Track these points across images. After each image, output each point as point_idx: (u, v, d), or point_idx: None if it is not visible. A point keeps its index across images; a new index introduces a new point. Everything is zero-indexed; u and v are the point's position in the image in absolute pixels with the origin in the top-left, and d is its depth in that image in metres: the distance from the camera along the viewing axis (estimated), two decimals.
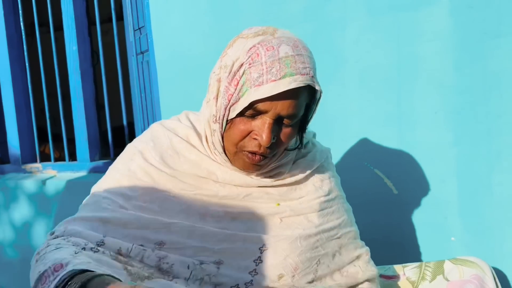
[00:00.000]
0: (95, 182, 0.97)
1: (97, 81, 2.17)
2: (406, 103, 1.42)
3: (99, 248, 0.81)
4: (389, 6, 1.40)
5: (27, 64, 2.17)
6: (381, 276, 1.08)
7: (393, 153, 1.45)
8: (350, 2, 1.44)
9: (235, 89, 0.82)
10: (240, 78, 0.81)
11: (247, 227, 0.88)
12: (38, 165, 2.20)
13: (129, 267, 0.80)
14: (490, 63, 1.32)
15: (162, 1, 1.70)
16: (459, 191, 1.39)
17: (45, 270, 0.75)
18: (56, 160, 2.23)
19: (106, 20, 2.26)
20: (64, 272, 0.71)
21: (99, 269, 0.73)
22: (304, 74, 0.81)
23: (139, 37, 1.91)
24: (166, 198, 0.89)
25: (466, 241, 1.40)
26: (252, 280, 0.84)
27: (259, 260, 0.85)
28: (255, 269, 0.85)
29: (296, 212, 0.92)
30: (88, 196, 0.95)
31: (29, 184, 2.06)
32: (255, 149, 0.84)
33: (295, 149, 0.96)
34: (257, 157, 0.85)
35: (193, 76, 1.65)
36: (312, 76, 0.83)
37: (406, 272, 1.13)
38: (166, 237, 0.84)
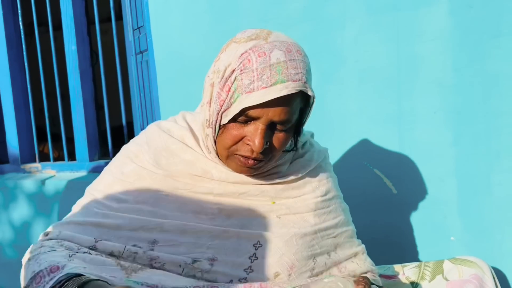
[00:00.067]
0: None
1: (96, 80, 2.17)
2: (406, 102, 1.42)
3: (91, 252, 0.83)
4: (388, 6, 1.40)
5: (26, 64, 2.16)
6: (380, 276, 1.08)
7: (392, 152, 1.45)
8: (349, 1, 1.44)
9: (227, 95, 0.81)
10: (232, 84, 0.81)
11: (241, 224, 0.88)
12: (37, 165, 2.20)
13: (122, 262, 0.81)
14: (489, 63, 1.32)
15: (162, 1, 1.69)
16: (459, 191, 1.39)
17: (40, 270, 0.77)
18: (55, 160, 2.22)
19: (105, 19, 2.25)
20: (61, 275, 0.73)
21: (93, 273, 0.76)
22: (296, 81, 0.79)
23: (138, 37, 1.91)
24: (160, 198, 0.89)
25: (465, 241, 1.40)
26: (246, 278, 0.84)
27: (254, 257, 0.85)
28: (250, 266, 0.85)
29: (292, 210, 0.92)
30: (82, 197, 0.96)
31: (28, 184, 2.06)
32: (248, 154, 0.84)
33: (289, 151, 0.96)
34: (250, 161, 0.85)
35: (192, 75, 1.65)
36: (305, 82, 0.81)
37: (405, 271, 1.13)
38: (160, 235, 0.85)
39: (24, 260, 0.86)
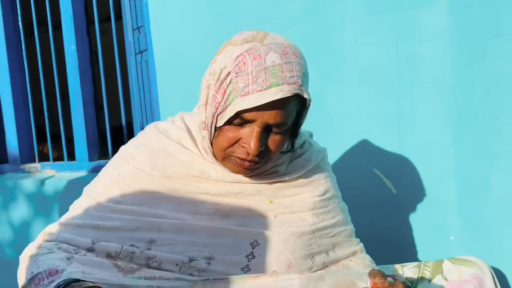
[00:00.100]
0: None
1: (95, 80, 2.17)
2: (405, 102, 1.42)
3: (88, 253, 0.83)
4: (388, 6, 1.40)
5: (25, 64, 2.16)
6: None
7: (392, 152, 1.45)
8: (349, 1, 1.44)
9: (222, 97, 0.81)
10: (227, 87, 0.80)
11: (238, 223, 0.88)
12: (36, 165, 2.20)
13: (118, 263, 0.81)
14: (489, 62, 1.32)
15: (161, 1, 1.69)
16: (458, 191, 1.39)
17: (39, 273, 0.78)
18: (54, 160, 2.22)
19: (104, 19, 2.25)
20: (60, 280, 0.74)
21: (91, 274, 0.77)
22: (291, 84, 0.79)
23: (138, 37, 1.91)
24: (157, 199, 0.89)
25: (465, 241, 1.40)
26: None
27: (251, 256, 0.85)
28: (247, 265, 0.85)
29: (290, 210, 0.92)
30: (80, 198, 0.96)
31: (27, 184, 2.06)
32: (244, 156, 0.84)
33: (286, 152, 0.96)
34: (247, 163, 0.85)
35: (192, 75, 1.65)
36: (301, 85, 0.81)
37: (405, 271, 1.13)
38: (157, 235, 0.85)
39: (22, 258, 0.87)
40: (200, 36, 1.64)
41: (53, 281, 0.75)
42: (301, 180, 0.96)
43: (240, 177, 0.91)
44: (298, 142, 0.98)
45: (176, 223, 0.86)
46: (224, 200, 0.90)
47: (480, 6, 1.31)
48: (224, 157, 0.87)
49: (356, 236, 1.03)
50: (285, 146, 0.93)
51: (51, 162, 2.19)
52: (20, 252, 0.92)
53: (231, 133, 0.83)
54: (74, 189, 1.96)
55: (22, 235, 2.08)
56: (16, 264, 0.90)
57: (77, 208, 0.93)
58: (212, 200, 0.90)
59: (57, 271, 0.77)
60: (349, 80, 1.47)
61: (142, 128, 1.91)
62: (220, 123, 0.83)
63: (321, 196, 0.96)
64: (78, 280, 0.74)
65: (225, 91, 0.81)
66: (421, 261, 1.17)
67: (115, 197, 0.90)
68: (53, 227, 0.90)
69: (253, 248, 0.86)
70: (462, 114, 1.36)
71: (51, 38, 2.10)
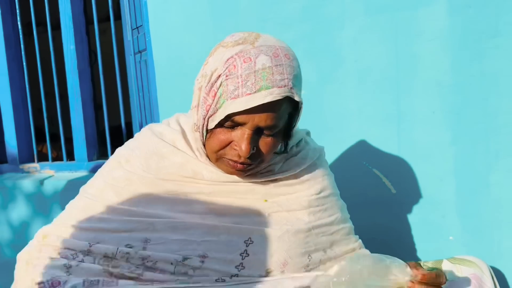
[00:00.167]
0: None
1: (95, 80, 2.16)
2: (405, 102, 1.42)
3: (85, 258, 0.84)
4: (387, 6, 1.40)
5: (24, 64, 2.16)
6: None
7: (391, 152, 1.45)
8: (348, 1, 1.44)
9: (213, 100, 0.81)
10: (218, 90, 0.81)
11: (232, 222, 0.88)
12: (35, 165, 2.19)
13: (111, 269, 0.83)
14: (488, 62, 1.32)
15: (160, 0, 1.69)
16: (457, 191, 1.39)
17: (42, 282, 0.80)
18: (53, 159, 2.22)
19: (103, 19, 2.25)
20: None
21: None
22: (281, 87, 0.79)
23: (137, 36, 1.91)
24: (151, 200, 0.89)
25: (464, 240, 1.40)
26: (238, 274, 0.84)
27: (245, 254, 0.85)
28: (241, 263, 0.85)
29: (284, 208, 0.92)
30: (76, 198, 0.97)
31: (27, 184, 2.06)
32: (236, 158, 0.84)
33: (280, 153, 0.96)
34: (239, 165, 0.85)
35: (191, 75, 1.63)
36: (291, 87, 0.80)
37: None
38: (151, 234, 0.85)
39: (20, 258, 0.88)
40: (199, 36, 1.64)
41: None
42: (296, 179, 0.96)
43: (234, 177, 0.91)
44: (293, 141, 0.98)
45: (170, 222, 0.86)
46: (218, 200, 0.90)
47: (479, 6, 1.31)
48: (217, 158, 0.87)
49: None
50: (279, 148, 0.93)
51: (50, 162, 2.18)
52: (18, 252, 0.92)
53: (222, 135, 0.84)
54: (73, 189, 1.95)
55: (21, 235, 2.08)
56: (15, 264, 0.90)
57: (73, 209, 0.94)
58: (206, 200, 0.90)
59: (59, 282, 0.79)
60: (349, 80, 1.47)
61: (141, 128, 1.91)
62: (211, 125, 0.83)
63: (317, 194, 0.96)
64: None
65: (215, 94, 0.81)
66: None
67: (109, 199, 0.90)
68: (50, 229, 0.91)
69: (247, 246, 0.86)
70: (461, 114, 1.37)
71: (50, 38, 2.10)
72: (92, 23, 2.01)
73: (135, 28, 1.92)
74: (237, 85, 0.78)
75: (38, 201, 2.03)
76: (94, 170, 2.05)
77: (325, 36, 1.48)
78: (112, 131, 2.09)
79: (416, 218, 1.45)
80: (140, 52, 1.90)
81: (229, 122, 0.82)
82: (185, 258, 0.83)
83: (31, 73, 2.18)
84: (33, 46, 2.15)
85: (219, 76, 0.80)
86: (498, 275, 1.33)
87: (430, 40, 1.37)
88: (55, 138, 2.32)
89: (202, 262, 0.84)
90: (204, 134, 0.86)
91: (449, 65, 1.36)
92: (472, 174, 1.37)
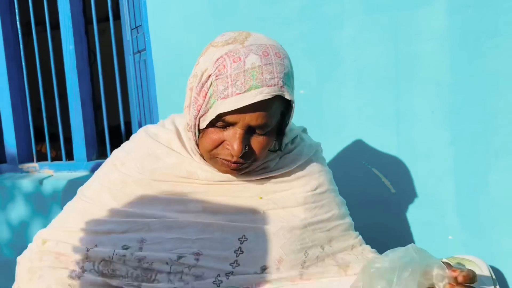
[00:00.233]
0: None
1: (94, 80, 2.16)
2: (404, 102, 1.42)
3: (84, 263, 0.85)
4: (386, 5, 1.40)
5: (23, 63, 2.16)
6: None
7: (390, 152, 1.45)
8: (347, 1, 1.44)
9: (204, 100, 0.82)
10: (208, 90, 0.81)
11: (227, 220, 0.88)
12: (35, 164, 2.19)
13: (113, 282, 0.84)
14: (487, 62, 1.32)
15: (160, 0, 1.69)
16: (457, 190, 1.39)
17: None
18: (53, 159, 2.22)
19: (103, 19, 2.25)
20: None
21: None
22: (271, 86, 0.79)
23: (136, 36, 1.90)
24: (146, 201, 0.90)
25: (463, 240, 1.40)
26: (233, 272, 0.84)
27: (239, 251, 0.86)
28: (236, 260, 0.85)
29: (279, 205, 0.92)
30: (74, 200, 0.97)
31: (26, 184, 2.06)
32: (228, 157, 0.85)
33: (274, 151, 0.96)
34: (232, 164, 0.86)
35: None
36: (282, 86, 0.80)
37: None
38: (147, 234, 0.86)
39: (22, 265, 0.89)
40: (198, 35, 1.64)
41: None
42: (291, 176, 0.96)
43: (229, 176, 0.91)
44: (287, 139, 0.98)
45: (165, 221, 0.87)
46: (213, 199, 0.90)
47: (478, 5, 1.31)
48: (210, 157, 0.88)
49: None
50: (272, 146, 0.93)
51: (49, 162, 2.18)
52: (18, 252, 0.92)
53: (214, 135, 0.84)
54: (73, 189, 1.95)
55: (20, 235, 2.08)
56: (15, 264, 0.90)
57: (71, 212, 0.94)
58: (201, 199, 0.90)
59: None
60: (348, 79, 1.47)
61: (140, 127, 1.91)
62: (203, 125, 0.84)
63: (313, 191, 0.95)
64: None
65: (206, 94, 0.81)
66: None
67: (106, 202, 0.91)
68: (49, 233, 0.92)
69: (241, 243, 0.86)
70: (460, 113, 1.37)
71: (49, 37, 2.10)
72: (91, 23, 2.01)
73: (134, 28, 1.92)
74: (226, 85, 0.78)
75: (37, 201, 2.03)
76: (93, 170, 2.05)
77: (324, 36, 1.48)
78: (111, 130, 2.09)
79: (416, 217, 1.45)
80: (139, 52, 1.90)
81: (220, 122, 0.82)
82: (180, 257, 0.84)
83: (30, 73, 2.18)
84: (32, 46, 2.14)
85: (209, 76, 0.81)
86: (497, 274, 1.33)
87: (429, 39, 1.37)
88: (54, 137, 2.32)
89: (197, 260, 0.84)
90: (197, 134, 0.86)
91: (448, 65, 1.36)
92: (471, 174, 1.37)
